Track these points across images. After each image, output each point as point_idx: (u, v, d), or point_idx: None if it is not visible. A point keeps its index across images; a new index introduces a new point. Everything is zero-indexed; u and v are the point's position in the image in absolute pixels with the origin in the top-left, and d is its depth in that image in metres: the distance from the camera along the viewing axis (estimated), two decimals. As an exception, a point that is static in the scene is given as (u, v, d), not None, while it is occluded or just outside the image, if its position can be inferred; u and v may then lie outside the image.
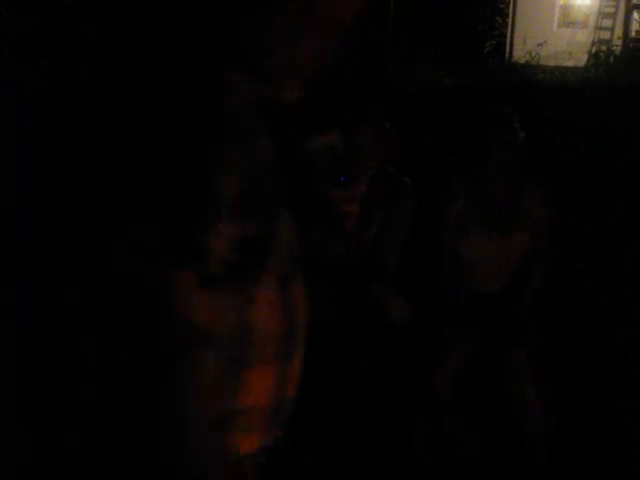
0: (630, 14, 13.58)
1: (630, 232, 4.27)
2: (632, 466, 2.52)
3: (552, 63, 12.05)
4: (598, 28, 13.67)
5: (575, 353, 3.12)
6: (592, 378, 2.97)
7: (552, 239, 2.74)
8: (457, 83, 9.80)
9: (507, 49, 13.89)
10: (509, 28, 14.09)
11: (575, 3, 14.08)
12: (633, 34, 13.62)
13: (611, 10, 13.70)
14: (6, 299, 0.86)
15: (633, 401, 2.84)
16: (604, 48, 13.04)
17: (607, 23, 13.68)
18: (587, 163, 5.30)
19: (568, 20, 14.04)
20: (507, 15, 14.27)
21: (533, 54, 12.11)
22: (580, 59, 12.51)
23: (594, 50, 12.98)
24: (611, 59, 12.25)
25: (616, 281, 3.71)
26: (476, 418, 2.77)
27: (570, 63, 12.18)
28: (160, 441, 0.84)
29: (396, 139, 2.78)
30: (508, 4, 14.21)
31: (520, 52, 12.86)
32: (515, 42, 13.65)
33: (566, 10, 14.05)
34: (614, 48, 12.91)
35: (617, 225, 4.37)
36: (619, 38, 13.26)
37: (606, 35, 13.56)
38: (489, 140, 2.61)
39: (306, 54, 0.98)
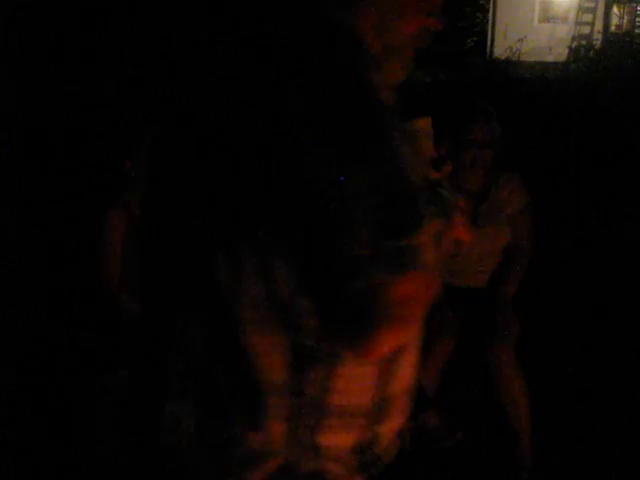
0: (610, 9, 13.66)
1: (611, 224, 4.29)
2: (618, 465, 2.53)
3: (532, 59, 12.10)
4: (578, 23, 13.75)
5: (561, 348, 3.12)
6: (579, 373, 2.98)
7: (533, 233, 2.74)
8: (437, 80, 9.82)
9: (488, 45, 13.93)
10: (489, 24, 14.13)
11: (554, 0, 14.15)
12: (613, 28, 13.71)
13: (591, 5, 13.77)
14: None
15: (620, 395, 2.85)
16: (584, 43, 13.11)
17: (587, 18, 13.76)
18: (567, 157, 5.32)
19: (548, 15, 14.10)
20: (487, 11, 14.32)
21: (514, 50, 12.15)
22: (560, 54, 12.57)
23: (574, 45, 13.05)
24: (591, 53, 12.32)
25: (598, 272, 3.73)
26: (462, 414, 2.76)
27: (551, 58, 12.23)
28: None
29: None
30: (489, 0, 14.26)
31: (501, 48, 12.91)
32: (496, 38, 13.69)
33: (546, 5, 14.12)
34: (594, 43, 12.98)
35: (598, 217, 4.39)
36: (599, 33, 13.34)
37: (586, 30, 13.64)
38: (466, 136, 2.61)
39: (407, 32, 1.01)
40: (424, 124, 1.15)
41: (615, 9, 13.85)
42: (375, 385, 1.00)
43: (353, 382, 0.97)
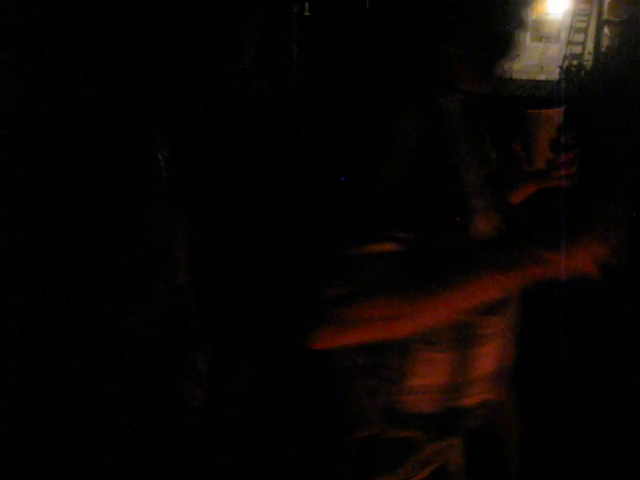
0: (601, 29, 13.78)
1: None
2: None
3: (524, 77, 12.19)
4: (570, 43, 13.86)
5: (546, 364, 3.14)
6: (565, 387, 2.99)
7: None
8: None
9: (480, 62, 14.00)
10: (482, 42, 14.21)
11: (548, 18, 14.28)
12: (604, 49, 13.82)
13: (583, 25, 13.90)
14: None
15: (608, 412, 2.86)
16: (575, 62, 13.21)
17: (579, 38, 13.88)
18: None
19: (540, 34, 14.22)
20: (480, 29, 14.40)
21: (506, 68, 12.24)
22: (552, 73, 12.66)
23: (565, 64, 13.15)
24: (582, 73, 12.41)
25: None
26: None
27: (542, 77, 12.33)
28: None
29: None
30: (482, 18, 14.35)
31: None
32: (488, 56, 13.77)
33: (539, 24, 14.24)
34: (585, 63, 13.09)
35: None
36: (590, 53, 13.46)
37: (577, 50, 13.76)
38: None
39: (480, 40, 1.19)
40: (552, 113, 1.29)
41: (606, 30, 13.97)
42: (452, 368, 1.10)
43: (429, 365, 1.08)
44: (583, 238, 1.03)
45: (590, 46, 13.66)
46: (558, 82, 12.35)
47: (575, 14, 13.95)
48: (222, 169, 4.65)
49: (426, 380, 1.10)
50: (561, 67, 13.25)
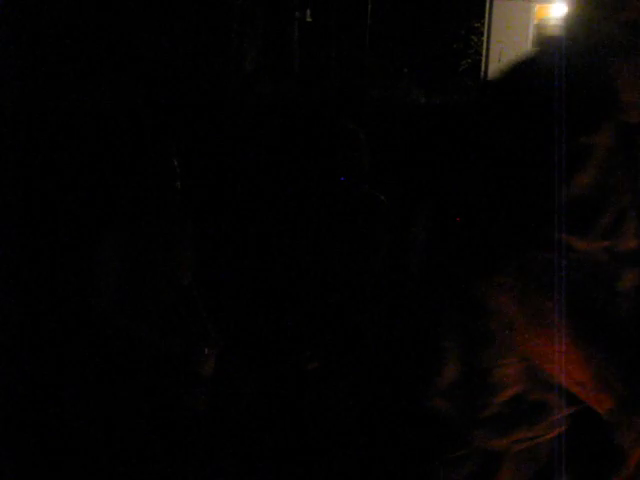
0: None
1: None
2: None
3: (527, 82, 12.17)
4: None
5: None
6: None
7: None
8: (434, 101, 9.90)
9: (482, 67, 14.04)
10: (484, 46, 14.25)
11: (550, 23, 14.27)
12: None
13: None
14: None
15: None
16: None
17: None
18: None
19: (542, 40, 14.21)
20: (482, 34, 14.44)
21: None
22: (554, 78, 12.65)
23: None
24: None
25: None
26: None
27: (544, 82, 12.31)
28: None
29: (370, 154, 2.82)
30: (483, 23, 14.38)
31: (495, 70, 12.96)
32: (490, 61, 13.80)
33: (541, 30, 14.23)
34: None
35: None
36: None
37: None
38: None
39: None
40: None
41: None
42: None
43: None
44: None
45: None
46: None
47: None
48: (225, 170, 4.66)
49: None
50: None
